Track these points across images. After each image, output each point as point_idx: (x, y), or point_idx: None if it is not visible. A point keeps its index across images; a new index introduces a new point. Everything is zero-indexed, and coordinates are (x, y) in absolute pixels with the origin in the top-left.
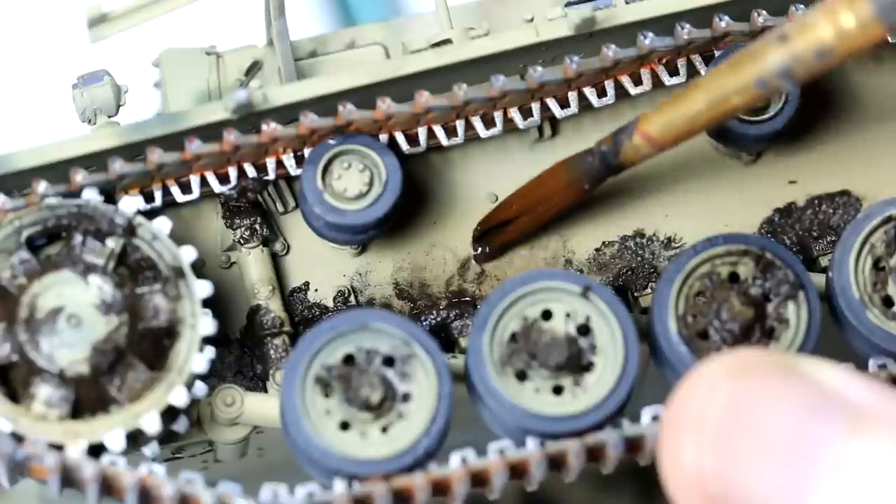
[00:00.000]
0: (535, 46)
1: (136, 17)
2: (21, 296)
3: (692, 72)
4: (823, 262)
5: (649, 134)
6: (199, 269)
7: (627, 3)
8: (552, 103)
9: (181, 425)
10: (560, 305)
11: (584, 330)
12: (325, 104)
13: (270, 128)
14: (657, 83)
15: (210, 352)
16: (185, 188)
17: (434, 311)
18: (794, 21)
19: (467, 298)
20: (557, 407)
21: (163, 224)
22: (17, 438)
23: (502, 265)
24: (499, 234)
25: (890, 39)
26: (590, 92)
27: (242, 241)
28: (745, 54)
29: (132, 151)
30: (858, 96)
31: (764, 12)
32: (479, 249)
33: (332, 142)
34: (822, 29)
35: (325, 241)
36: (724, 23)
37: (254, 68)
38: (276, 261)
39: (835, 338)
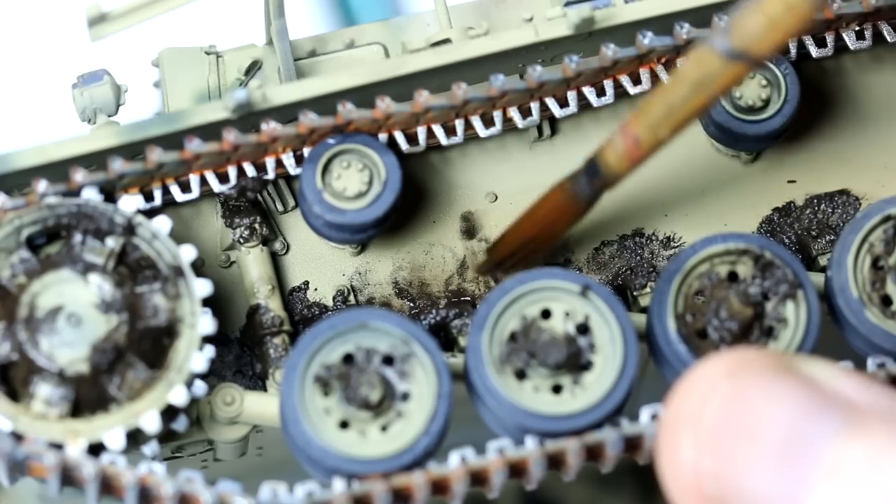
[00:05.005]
0: (535, 46)
1: (136, 16)
2: (21, 295)
3: None
4: (822, 261)
5: (636, 135)
6: (199, 268)
7: (627, 2)
8: (551, 103)
9: (181, 424)
10: (559, 304)
11: (583, 329)
12: (324, 103)
13: (270, 127)
14: (656, 83)
15: (209, 351)
16: (185, 187)
17: (433, 311)
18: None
19: (466, 297)
20: (556, 406)
21: (162, 223)
22: (17, 437)
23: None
24: (505, 266)
25: (889, 39)
26: (589, 91)
27: (242, 241)
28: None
29: (132, 151)
30: (858, 96)
31: None
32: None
33: (331, 141)
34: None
35: (324, 240)
36: (722, 22)
37: (253, 68)
38: (275, 260)
39: (834, 337)
